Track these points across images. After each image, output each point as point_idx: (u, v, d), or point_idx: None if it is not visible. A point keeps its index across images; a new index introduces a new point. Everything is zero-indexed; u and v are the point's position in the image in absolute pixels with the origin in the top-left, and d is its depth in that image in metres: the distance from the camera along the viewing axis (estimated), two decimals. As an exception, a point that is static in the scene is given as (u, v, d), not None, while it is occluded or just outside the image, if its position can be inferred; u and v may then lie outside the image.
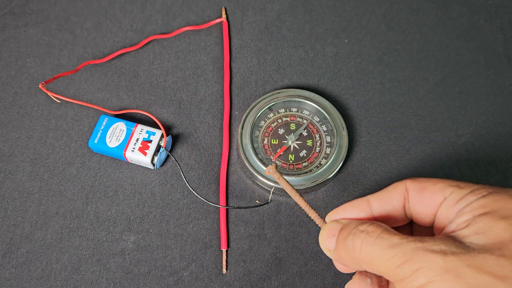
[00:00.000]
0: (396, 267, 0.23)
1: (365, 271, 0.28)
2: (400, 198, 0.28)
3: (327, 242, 0.29)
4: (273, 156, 0.44)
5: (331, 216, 0.30)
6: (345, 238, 0.27)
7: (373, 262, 0.25)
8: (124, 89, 0.49)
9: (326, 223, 0.30)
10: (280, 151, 0.44)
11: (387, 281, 0.29)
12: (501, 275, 0.21)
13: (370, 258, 0.25)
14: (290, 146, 0.45)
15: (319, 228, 0.43)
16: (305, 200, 0.31)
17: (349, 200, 0.43)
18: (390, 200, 0.28)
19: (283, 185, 0.31)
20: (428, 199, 0.27)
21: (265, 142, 0.45)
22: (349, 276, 0.39)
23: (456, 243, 0.23)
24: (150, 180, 0.45)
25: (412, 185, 0.27)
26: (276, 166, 0.32)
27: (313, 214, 0.31)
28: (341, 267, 0.31)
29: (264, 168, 0.43)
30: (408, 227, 0.31)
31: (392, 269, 0.24)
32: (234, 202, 0.44)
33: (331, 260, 0.42)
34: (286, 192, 0.43)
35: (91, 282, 0.41)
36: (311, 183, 0.42)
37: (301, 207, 0.31)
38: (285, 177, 0.42)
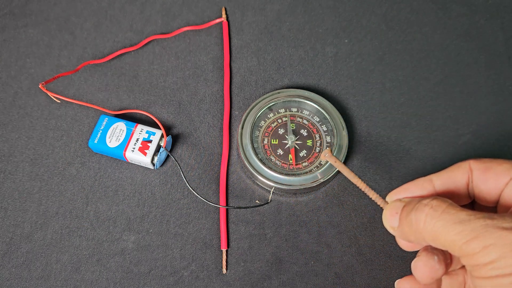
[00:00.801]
0: (464, 243, 0.24)
1: (431, 248, 0.28)
2: (464, 177, 0.28)
3: (390, 220, 0.29)
4: (273, 156, 0.44)
5: (392, 196, 0.30)
6: (408, 213, 0.27)
7: (439, 236, 0.25)
8: (124, 89, 0.49)
9: (387, 203, 0.30)
10: (293, 157, 0.44)
11: (452, 258, 0.29)
12: None
13: (435, 232, 0.25)
14: (292, 146, 0.45)
15: (319, 228, 0.43)
16: (364, 183, 0.31)
17: (349, 199, 0.44)
18: (453, 179, 0.28)
19: (340, 168, 0.31)
20: (493, 179, 0.27)
21: (265, 142, 0.45)
22: (349, 272, 0.39)
23: None
24: (150, 180, 0.45)
25: (477, 165, 0.28)
26: (331, 150, 0.32)
27: (373, 195, 0.31)
28: (405, 245, 0.31)
29: (264, 168, 0.43)
30: (470, 207, 0.31)
31: (459, 245, 0.24)
32: (234, 202, 0.44)
33: (331, 259, 0.42)
34: (289, 190, 0.43)
35: (91, 282, 0.41)
36: (311, 183, 0.42)
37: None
38: (285, 177, 0.42)
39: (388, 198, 0.30)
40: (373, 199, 0.31)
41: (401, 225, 0.28)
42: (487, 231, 0.23)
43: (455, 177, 0.29)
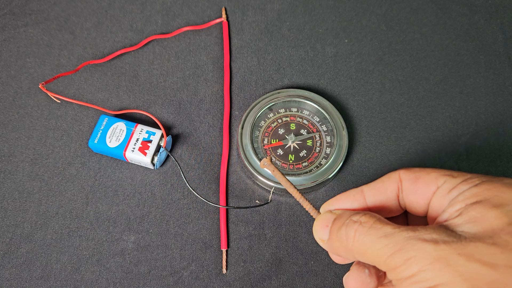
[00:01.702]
0: (388, 257, 0.23)
1: (363, 262, 0.28)
2: (394, 188, 0.28)
3: (320, 232, 0.29)
4: (273, 156, 0.44)
5: (325, 207, 0.30)
6: (338, 228, 0.27)
7: (366, 252, 0.25)
8: (124, 89, 0.49)
9: (320, 214, 0.30)
10: (276, 144, 0.44)
11: (385, 272, 0.29)
12: (492, 263, 0.21)
13: (363, 248, 0.25)
14: (290, 146, 0.45)
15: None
16: (299, 192, 0.31)
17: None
18: (384, 190, 0.28)
19: (278, 177, 0.31)
20: (422, 188, 0.27)
21: (265, 142, 0.45)
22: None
23: (448, 232, 0.23)
24: (150, 180, 0.45)
25: (406, 175, 0.27)
26: (271, 159, 0.32)
27: (307, 206, 0.31)
28: (336, 258, 0.31)
29: (264, 168, 0.43)
30: (404, 217, 0.31)
31: (384, 259, 0.23)
32: (234, 202, 0.44)
33: (331, 260, 0.42)
34: (287, 191, 0.43)
35: (91, 282, 0.41)
36: (311, 183, 0.42)
37: (298, 202, 0.31)
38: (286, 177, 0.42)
39: (322, 210, 0.30)
40: (306, 209, 0.31)
41: (331, 239, 0.28)
42: (408, 243, 0.23)
43: (385, 188, 0.28)
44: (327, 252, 0.42)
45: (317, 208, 0.30)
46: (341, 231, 0.26)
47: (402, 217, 0.31)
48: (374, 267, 0.28)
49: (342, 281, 0.29)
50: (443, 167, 0.45)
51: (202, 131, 0.47)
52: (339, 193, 0.45)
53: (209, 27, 0.52)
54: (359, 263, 0.28)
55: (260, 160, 0.43)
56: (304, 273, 0.41)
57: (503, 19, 0.52)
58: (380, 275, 0.28)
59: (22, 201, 0.44)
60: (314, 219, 0.44)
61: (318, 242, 0.29)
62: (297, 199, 0.31)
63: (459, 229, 0.23)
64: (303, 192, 0.43)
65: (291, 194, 0.44)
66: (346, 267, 0.41)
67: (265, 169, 0.35)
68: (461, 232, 0.23)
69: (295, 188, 0.31)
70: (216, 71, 0.50)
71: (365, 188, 0.29)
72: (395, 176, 0.28)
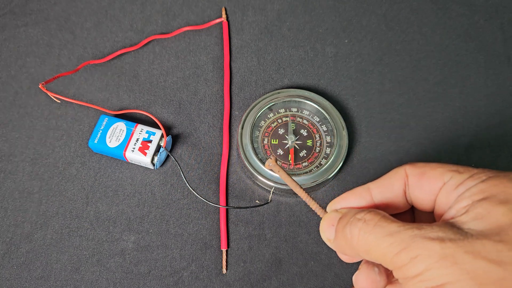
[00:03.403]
0: (394, 255, 0.23)
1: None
2: (401, 184, 0.28)
3: (326, 232, 0.28)
4: (273, 156, 0.44)
5: (331, 206, 0.30)
6: (343, 227, 0.27)
7: (371, 250, 0.25)
8: (124, 89, 0.49)
9: (327, 213, 0.30)
10: (292, 156, 0.44)
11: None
12: (498, 260, 0.21)
13: (368, 246, 0.25)
14: (291, 146, 0.45)
15: (319, 228, 0.43)
16: (306, 192, 0.31)
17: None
18: (390, 186, 0.28)
19: (284, 177, 0.31)
20: (428, 184, 0.26)
21: (265, 142, 0.45)
22: (349, 271, 0.39)
23: (454, 229, 0.23)
24: (150, 180, 0.45)
25: (412, 170, 0.27)
26: (276, 160, 0.32)
27: (314, 205, 0.31)
28: (344, 257, 0.30)
29: (264, 168, 0.43)
30: (410, 213, 0.30)
31: (390, 257, 0.23)
32: (234, 202, 0.44)
33: (331, 260, 0.42)
34: (289, 190, 0.43)
35: (91, 282, 0.41)
36: (311, 183, 0.42)
37: (304, 202, 0.31)
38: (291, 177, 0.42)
39: (328, 208, 0.30)
40: (313, 209, 0.31)
41: (337, 238, 0.27)
42: (414, 242, 0.22)
43: (392, 184, 0.28)
44: (327, 252, 0.42)
45: (324, 207, 0.30)
46: (345, 229, 0.26)
47: (408, 213, 0.30)
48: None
49: (344, 284, 0.29)
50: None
51: (202, 131, 0.47)
52: (339, 193, 0.45)
53: (209, 27, 0.51)
54: (368, 261, 0.28)
55: (260, 160, 0.43)
56: (304, 273, 0.41)
57: (503, 19, 0.52)
58: (389, 273, 0.28)
59: (22, 201, 0.44)
60: (314, 219, 0.44)
61: (325, 242, 0.29)
62: (304, 199, 0.31)
63: (465, 227, 0.23)
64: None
65: (294, 194, 0.44)
66: (347, 267, 0.41)
67: (270, 170, 0.34)
68: (468, 229, 0.22)
69: (301, 188, 0.31)
70: (216, 71, 0.50)
71: (372, 185, 0.29)
72: (401, 171, 0.28)
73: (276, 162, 0.31)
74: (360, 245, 0.25)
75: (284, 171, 0.31)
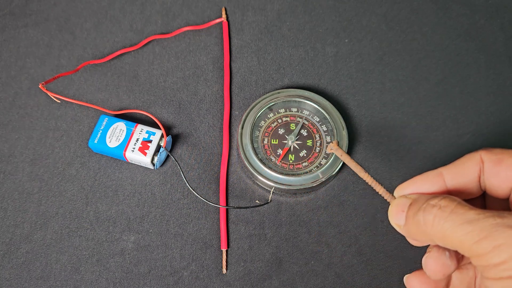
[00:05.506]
0: (473, 243, 0.23)
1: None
2: (475, 170, 0.27)
3: (396, 218, 0.28)
4: (273, 156, 0.44)
5: (399, 190, 0.29)
6: (414, 214, 0.26)
7: (447, 238, 0.24)
8: (124, 89, 0.49)
9: (395, 198, 0.29)
10: (282, 153, 0.44)
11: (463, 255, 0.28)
12: None
13: (443, 233, 0.24)
14: (290, 146, 0.45)
15: (319, 228, 0.43)
16: (371, 176, 0.30)
17: (349, 199, 0.44)
18: (464, 172, 0.27)
19: (347, 161, 0.30)
20: (505, 171, 0.26)
21: (265, 142, 0.45)
22: (349, 271, 0.39)
23: None
24: (150, 180, 0.45)
25: (488, 156, 0.27)
26: (338, 143, 0.31)
27: (380, 190, 0.30)
28: (413, 242, 0.30)
29: (264, 168, 0.43)
30: (481, 199, 0.30)
31: (469, 245, 0.23)
32: (234, 202, 0.44)
33: (332, 259, 0.42)
34: (289, 190, 0.43)
35: (91, 282, 0.41)
36: (311, 183, 0.42)
37: (366, 182, 0.31)
38: (285, 177, 0.42)
39: (396, 193, 0.29)
40: (380, 193, 0.30)
41: (408, 225, 0.27)
42: (497, 230, 0.22)
43: (466, 170, 0.27)
44: (327, 252, 0.42)
45: (391, 191, 0.30)
46: (418, 216, 0.26)
47: (479, 199, 0.30)
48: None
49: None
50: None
51: (202, 131, 0.47)
52: (339, 193, 0.45)
53: (209, 27, 0.51)
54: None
55: (260, 160, 0.43)
56: (304, 272, 0.41)
57: (503, 19, 0.52)
58: (459, 257, 0.28)
59: (22, 201, 0.44)
60: (314, 218, 0.44)
61: (394, 227, 0.29)
62: (369, 183, 0.30)
63: None
64: (303, 192, 0.43)
65: (295, 194, 0.44)
66: (346, 267, 0.41)
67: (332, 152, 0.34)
68: None
69: (366, 172, 0.30)
70: (216, 71, 0.50)
71: (444, 170, 0.28)
72: (477, 157, 0.27)
73: (338, 145, 0.31)
74: (435, 232, 0.25)
75: (347, 154, 0.31)
